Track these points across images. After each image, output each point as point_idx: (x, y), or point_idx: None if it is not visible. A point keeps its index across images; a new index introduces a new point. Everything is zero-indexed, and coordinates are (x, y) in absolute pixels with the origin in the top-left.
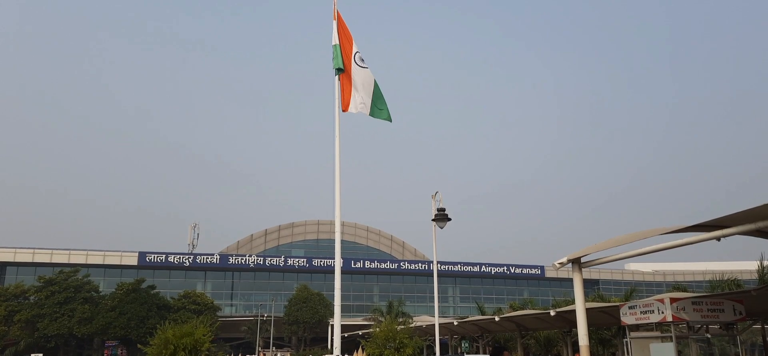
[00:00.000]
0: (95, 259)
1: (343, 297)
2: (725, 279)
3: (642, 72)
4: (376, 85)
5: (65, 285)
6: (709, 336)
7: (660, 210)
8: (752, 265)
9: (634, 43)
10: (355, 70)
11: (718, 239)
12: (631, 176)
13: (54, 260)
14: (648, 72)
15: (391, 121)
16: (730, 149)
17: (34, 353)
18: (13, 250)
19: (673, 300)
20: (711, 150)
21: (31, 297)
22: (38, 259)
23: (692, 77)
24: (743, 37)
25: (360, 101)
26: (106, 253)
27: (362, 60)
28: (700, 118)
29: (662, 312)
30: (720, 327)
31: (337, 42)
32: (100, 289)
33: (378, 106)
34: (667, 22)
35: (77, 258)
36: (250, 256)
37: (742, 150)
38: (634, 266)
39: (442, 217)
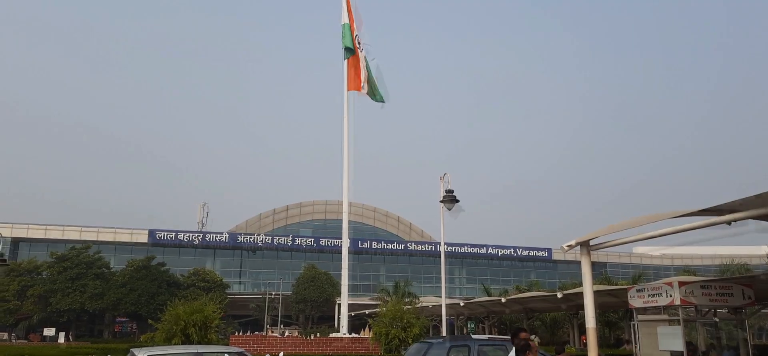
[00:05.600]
0: (106, 236)
1: (350, 277)
2: (735, 263)
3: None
4: (369, 71)
5: (77, 261)
6: (716, 319)
7: (674, 205)
8: (762, 250)
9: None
10: (360, 52)
11: (730, 223)
12: (646, 170)
13: (66, 237)
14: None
15: (384, 102)
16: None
17: (46, 327)
18: (27, 226)
19: (681, 284)
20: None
21: (44, 273)
22: (50, 235)
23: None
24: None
25: (363, 81)
26: (117, 230)
27: (359, 43)
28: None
29: (670, 296)
30: (728, 311)
31: (347, 21)
32: (111, 266)
33: (373, 88)
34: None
35: (88, 235)
36: (259, 235)
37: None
38: (641, 249)
39: (450, 198)
